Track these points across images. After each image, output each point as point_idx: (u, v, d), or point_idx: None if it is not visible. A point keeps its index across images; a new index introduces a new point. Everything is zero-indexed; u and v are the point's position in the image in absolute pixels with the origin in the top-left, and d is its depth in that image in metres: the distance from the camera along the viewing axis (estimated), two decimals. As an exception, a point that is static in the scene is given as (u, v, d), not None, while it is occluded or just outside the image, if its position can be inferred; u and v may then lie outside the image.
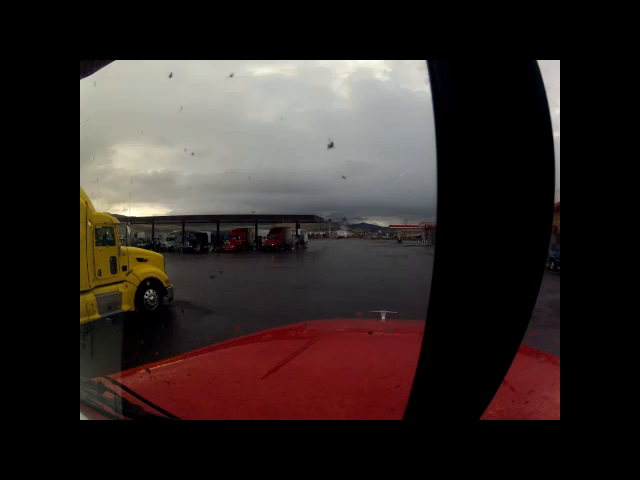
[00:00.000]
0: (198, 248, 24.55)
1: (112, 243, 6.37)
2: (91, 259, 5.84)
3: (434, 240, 0.30)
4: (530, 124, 0.28)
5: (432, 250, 0.30)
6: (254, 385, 0.94)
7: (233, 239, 25.97)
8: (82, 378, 0.63)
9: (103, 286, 6.04)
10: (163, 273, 7.28)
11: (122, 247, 6.54)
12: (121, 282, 6.46)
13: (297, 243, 27.51)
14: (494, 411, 0.73)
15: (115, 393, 0.75)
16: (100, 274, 6.05)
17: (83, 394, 0.70)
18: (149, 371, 1.14)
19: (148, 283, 6.84)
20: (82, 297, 5.30)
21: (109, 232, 6.32)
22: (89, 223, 5.74)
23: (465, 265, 0.28)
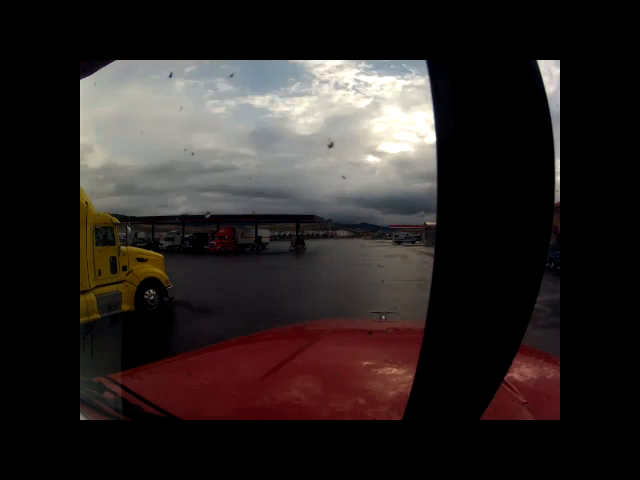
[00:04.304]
0: (201, 251, 24.49)
1: (112, 243, 6.37)
2: (91, 259, 5.84)
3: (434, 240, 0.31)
4: (530, 124, 0.28)
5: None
6: (254, 385, 0.94)
7: (220, 239, 25.73)
8: (82, 378, 0.63)
9: (103, 286, 6.04)
10: (163, 273, 7.29)
11: (122, 247, 6.54)
12: (121, 282, 6.47)
13: (253, 245, 27.62)
14: (494, 411, 0.73)
15: (115, 393, 0.75)
16: (100, 274, 6.05)
17: (83, 394, 0.70)
18: (149, 371, 1.14)
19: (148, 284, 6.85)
20: (82, 297, 5.30)
21: (109, 232, 6.32)
22: (89, 223, 5.74)
23: (465, 265, 0.28)
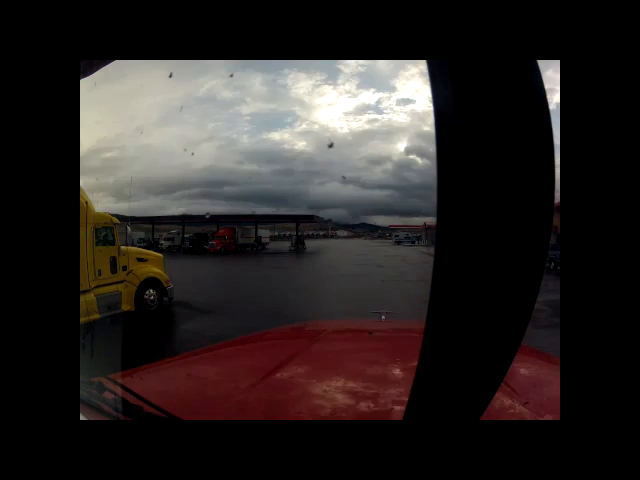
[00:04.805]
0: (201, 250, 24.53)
1: (112, 243, 6.37)
2: (91, 259, 5.83)
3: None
4: (530, 124, 0.28)
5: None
6: (254, 385, 0.94)
7: (220, 239, 25.80)
8: (82, 378, 0.63)
9: (103, 286, 6.04)
10: (163, 273, 7.28)
11: (122, 247, 6.54)
12: (121, 282, 6.46)
13: (253, 245, 27.74)
14: (494, 411, 0.73)
15: (115, 393, 0.75)
16: (100, 274, 6.05)
17: (83, 394, 0.70)
18: (149, 371, 1.14)
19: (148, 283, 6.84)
20: (82, 297, 5.30)
21: (109, 232, 6.32)
22: (89, 223, 5.74)
23: (465, 265, 0.28)
